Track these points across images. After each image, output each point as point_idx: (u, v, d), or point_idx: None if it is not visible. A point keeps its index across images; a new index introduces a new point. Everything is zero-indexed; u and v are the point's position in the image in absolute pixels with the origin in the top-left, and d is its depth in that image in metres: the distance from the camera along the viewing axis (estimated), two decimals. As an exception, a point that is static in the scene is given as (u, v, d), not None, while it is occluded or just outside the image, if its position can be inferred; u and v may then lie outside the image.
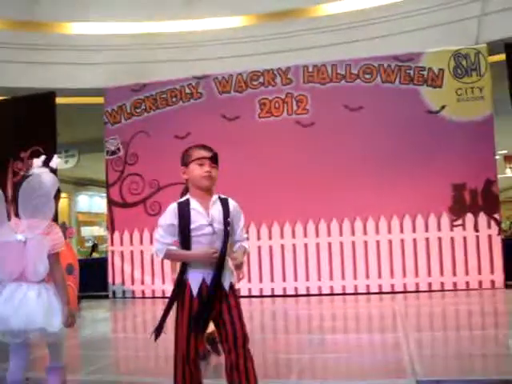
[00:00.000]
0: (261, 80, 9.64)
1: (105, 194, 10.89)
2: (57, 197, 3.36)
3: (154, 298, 9.59)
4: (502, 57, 8.78)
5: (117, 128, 10.22)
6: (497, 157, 9.93)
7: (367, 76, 9.26)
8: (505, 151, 16.95)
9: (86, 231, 20.84)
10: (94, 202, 21.72)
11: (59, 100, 9.69)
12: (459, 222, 8.82)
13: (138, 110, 10.15)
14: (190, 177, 3.14)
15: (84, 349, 5.83)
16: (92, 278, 9.56)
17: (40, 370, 3.85)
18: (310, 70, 9.46)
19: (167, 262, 9.55)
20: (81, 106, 11.32)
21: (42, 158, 3.49)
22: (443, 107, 8.98)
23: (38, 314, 3.15)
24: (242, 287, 8.23)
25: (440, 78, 9.04)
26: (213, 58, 10.22)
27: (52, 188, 3.29)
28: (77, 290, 7.70)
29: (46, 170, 3.38)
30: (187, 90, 9.94)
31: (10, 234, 3.21)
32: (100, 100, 10.45)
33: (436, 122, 8.95)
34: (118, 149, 10.13)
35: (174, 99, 9.99)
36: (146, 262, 9.87)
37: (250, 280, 9.12)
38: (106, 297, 9.97)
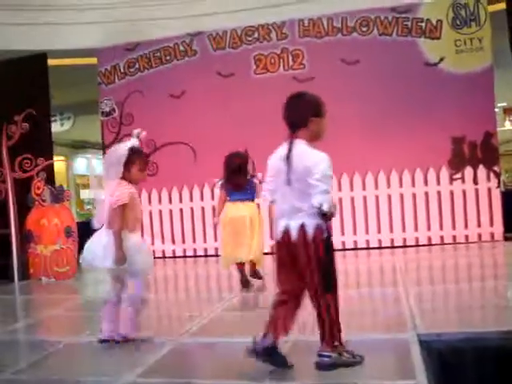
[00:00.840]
0: (255, 35, 9.47)
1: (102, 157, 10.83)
2: (131, 162, 3.97)
3: (158, 258, 9.59)
4: (503, 5, 8.57)
5: (111, 88, 10.08)
6: (496, 109, 9.83)
7: (364, 29, 9.09)
8: (504, 104, 16.78)
9: (85, 194, 20.79)
10: (91, 165, 21.59)
11: (51, 62, 9.51)
12: (458, 175, 8.78)
13: (131, 70, 9.99)
14: (317, 128, 3.29)
15: (85, 310, 5.84)
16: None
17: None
18: (306, 24, 9.28)
19: (167, 223, 9.61)
20: (74, 67, 11.13)
21: (138, 130, 4.13)
22: (442, 59, 8.84)
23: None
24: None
25: (438, 30, 8.87)
26: (206, 14, 10.00)
27: (121, 155, 3.95)
28: (76, 251, 7.69)
29: (134, 141, 4.05)
30: (181, 48, 9.77)
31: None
32: (93, 60, 10.28)
33: (435, 74, 8.81)
34: (113, 109, 10.01)
35: (167, 57, 9.82)
36: (145, 224, 9.85)
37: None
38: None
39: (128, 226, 3.96)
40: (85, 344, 4.27)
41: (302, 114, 3.29)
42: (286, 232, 3.22)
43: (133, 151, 4.00)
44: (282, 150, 3.27)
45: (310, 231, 3.15)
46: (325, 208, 3.07)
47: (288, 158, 3.21)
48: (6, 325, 5.02)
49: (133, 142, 4.04)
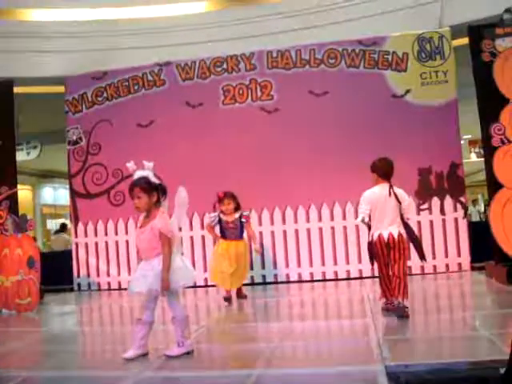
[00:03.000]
0: (224, 66, 9.50)
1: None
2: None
3: (120, 289, 9.43)
4: (466, 40, 8.75)
5: (78, 117, 9.99)
6: (462, 141, 9.97)
7: (331, 61, 9.20)
8: (469, 136, 17.11)
9: (52, 224, 20.48)
10: (58, 195, 21.34)
11: (19, 89, 9.41)
12: (425, 205, 8.85)
13: (99, 99, 9.93)
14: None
15: (47, 344, 5.67)
16: (56, 270, 9.39)
17: None
18: (274, 55, 9.36)
19: (132, 253, 9.44)
20: (42, 96, 11.07)
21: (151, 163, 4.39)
22: (408, 91, 8.98)
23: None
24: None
25: (404, 62, 9.03)
26: (176, 44, 10.06)
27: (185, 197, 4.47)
28: (38, 283, 7.51)
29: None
30: (149, 77, 9.75)
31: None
32: (61, 89, 10.21)
33: (401, 106, 8.96)
34: (80, 138, 9.90)
35: (136, 87, 9.79)
36: (111, 254, 9.70)
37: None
38: (72, 290, 9.79)
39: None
40: (44, 379, 4.13)
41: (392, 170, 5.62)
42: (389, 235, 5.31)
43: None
44: (382, 189, 5.42)
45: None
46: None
47: (390, 194, 5.36)
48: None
49: (150, 173, 4.33)
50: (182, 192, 4.44)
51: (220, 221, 7.24)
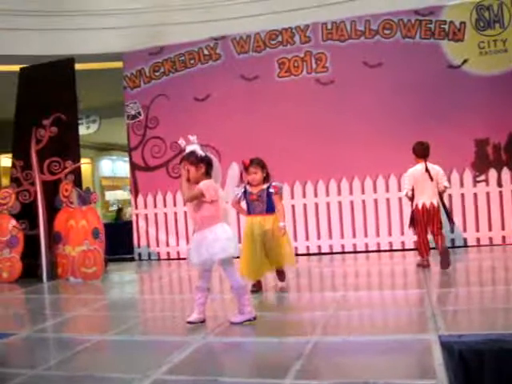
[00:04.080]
0: (279, 39, 9.55)
1: (127, 158, 10.99)
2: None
3: (179, 259, 9.73)
4: (527, 7, 8.56)
5: (136, 92, 10.25)
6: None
7: (387, 32, 9.12)
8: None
9: (110, 195, 21.04)
10: (116, 167, 21.87)
11: (78, 66, 9.69)
12: (482, 177, 8.77)
13: (156, 74, 10.15)
14: None
15: (112, 310, 5.97)
16: (118, 241, 9.76)
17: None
18: (329, 27, 9.34)
19: (190, 224, 9.69)
20: (99, 71, 11.34)
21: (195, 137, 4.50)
22: (465, 61, 8.84)
23: None
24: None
25: (462, 32, 8.87)
26: (230, 18, 10.13)
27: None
28: (103, 253, 7.84)
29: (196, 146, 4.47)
30: (205, 52, 9.89)
31: None
32: (118, 64, 10.47)
33: (458, 76, 8.82)
34: (139, 113, 10.17)
35: (192, 61, 9.96)
36: (170, 224, 10.00)
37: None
38: (132, 259, 10.15)
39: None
40: (112, 342, 4.38)
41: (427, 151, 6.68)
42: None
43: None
44: (420, 167, 6.65)
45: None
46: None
47: (426, 170, 6.58)
48: (36, 323, 5.17)
49: (197, 147, 4.48)
50: (235, 168, 4.64)
51: (245, 193, 5.95)
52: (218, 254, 4.32)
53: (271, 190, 5.84)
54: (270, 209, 5.84)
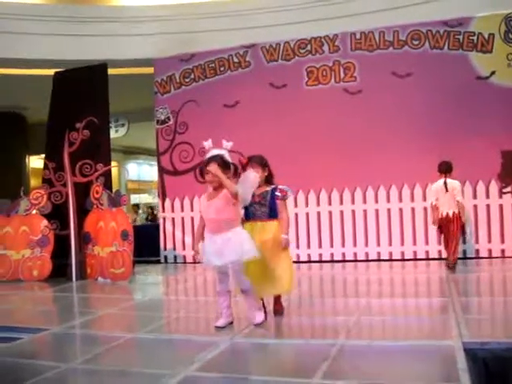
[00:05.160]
0: (308, 48, 9.66)
1: (153, 162, 11.16)
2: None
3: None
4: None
5: (166, 97, 10.43)
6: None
7: (415, 42, 9.18)
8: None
9: (135, 199, 21.28)
10: (142, 170, 22.12)
11: (109, 71, 9.90)
12: (508, 188, 8.78)
13: (186, 80, 10.32)
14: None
15: (140, 310, 6.12)
16: (145, 243, 9.92)
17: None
18: (358, 37, 9.43)
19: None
20: (129, 77, 11.56)
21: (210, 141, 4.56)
22: (493, 73, 8.86)
23: None
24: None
25: (490, 43, 8.89)
26: (260, 26, 10.28)
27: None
28: (132, 254, 7.99)
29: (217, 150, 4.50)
30: (235, 59, 10.05)
31: None
32: (149, 70, 10.67)
33: (485, 87, 8.84)
34: (168, 118, 10.35)
35: (222, 68, 10.12)
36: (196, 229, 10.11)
37: (298, 246, 9.32)
38: (158, 262, 10.30)
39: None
40: (142, 340, 4.52)
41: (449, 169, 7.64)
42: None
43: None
44: (441, 181, 7.61)
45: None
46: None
47: (445, 184, 7.56)
48: (67, 321, 5.32)
49: (226, 152, 4.50)
50: (251, 174, 4.57)
51: None
52: (246, 254, 4.40)
53: (277, 193, 4.89)
54: (274, 214, 4.87)
